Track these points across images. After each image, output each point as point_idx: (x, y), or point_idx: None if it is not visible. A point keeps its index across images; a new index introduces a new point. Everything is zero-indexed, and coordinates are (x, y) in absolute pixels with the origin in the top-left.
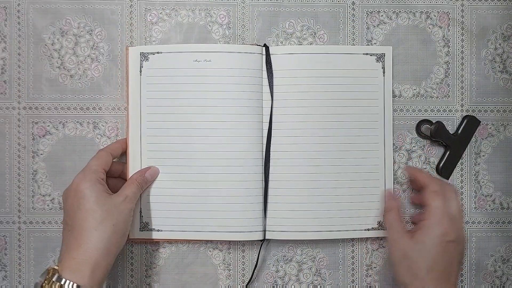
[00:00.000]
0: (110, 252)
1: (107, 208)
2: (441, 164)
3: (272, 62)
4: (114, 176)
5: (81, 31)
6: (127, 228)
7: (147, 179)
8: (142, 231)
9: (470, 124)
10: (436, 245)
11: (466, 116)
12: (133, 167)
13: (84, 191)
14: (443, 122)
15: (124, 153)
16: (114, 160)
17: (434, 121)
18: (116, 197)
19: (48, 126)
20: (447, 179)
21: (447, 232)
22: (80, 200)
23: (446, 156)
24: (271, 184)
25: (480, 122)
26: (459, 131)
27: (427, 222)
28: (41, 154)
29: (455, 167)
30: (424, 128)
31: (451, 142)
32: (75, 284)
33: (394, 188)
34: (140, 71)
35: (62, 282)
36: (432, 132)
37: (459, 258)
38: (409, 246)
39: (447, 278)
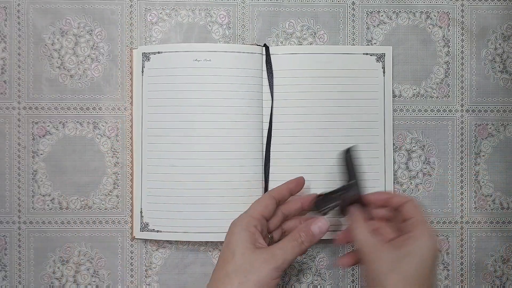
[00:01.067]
0: None
1: (242, 263)
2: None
3: (272, 62)
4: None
5: (81, 31)
6: None
7: (314, 233)
8: (142, 231)
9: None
10: (430, 257)
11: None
12: (136, 169)
13: (230, 237)
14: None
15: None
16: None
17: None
18: (260, 253)
19: (48, 126)
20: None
21: (437, 246)
22: (226, 246)
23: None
24: (271, 184)
25: (350, 148)
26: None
27: (417, 233)
28: (41, 154)
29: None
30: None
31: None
32: None
33: (394, 188)
34: (142, 71)
35: None
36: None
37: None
38: (397, 257)
39: None
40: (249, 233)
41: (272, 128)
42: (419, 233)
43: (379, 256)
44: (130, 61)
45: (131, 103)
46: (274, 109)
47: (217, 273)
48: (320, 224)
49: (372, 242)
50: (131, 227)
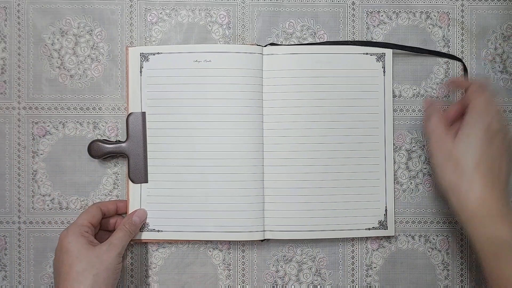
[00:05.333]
0: None
1: (89, 260)
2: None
3: (272, 62)
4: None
5: (81, 31)
6: (111, 276)
7: (135, 222)
8: (141, 231)
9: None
10: (481, 138)
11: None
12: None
13: (67, 246)
14: None
15: (117, 213)
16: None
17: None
18: (100, 246)
19: (48, 126)
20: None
21: (491, 122)
22: (64, 256)
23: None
24: (271, 184)
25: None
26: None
27: (469, 117)
28: (41, 154)
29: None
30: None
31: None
32: None
33: (394, 188)
34: (141, 72)
35: None
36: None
37: (508, 152)
38: (453, 145)
39: (496, 174)
40: (83, 237)
41: (272, 128)
42: (470, 117)
43: (441, 144)
44: (126, 60)
45: (127, 103)
46: (273, 109)
47: (67, 277)
48: (138, 213)
49: (438, 132)
50: None
